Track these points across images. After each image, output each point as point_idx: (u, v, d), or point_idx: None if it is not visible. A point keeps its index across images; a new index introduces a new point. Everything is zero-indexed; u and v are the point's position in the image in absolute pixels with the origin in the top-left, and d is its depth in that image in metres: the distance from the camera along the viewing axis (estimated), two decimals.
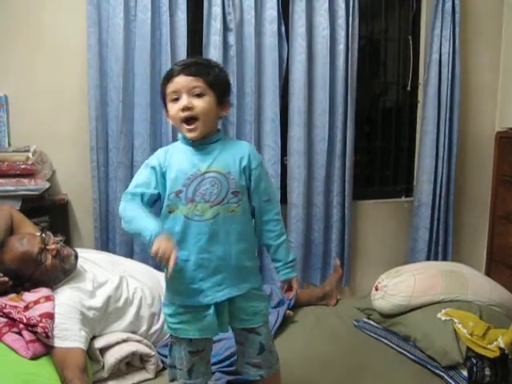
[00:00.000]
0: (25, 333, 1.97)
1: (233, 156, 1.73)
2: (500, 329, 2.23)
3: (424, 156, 3.52)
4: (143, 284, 2.40)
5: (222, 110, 1.76)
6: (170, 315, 1.78)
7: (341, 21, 3.24)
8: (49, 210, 2.81)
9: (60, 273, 2.20)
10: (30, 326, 1.96)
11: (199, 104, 1.66)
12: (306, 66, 3.20)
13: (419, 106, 3.62)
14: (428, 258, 3.53)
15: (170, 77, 1.69)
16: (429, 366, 2.28)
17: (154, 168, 1.70)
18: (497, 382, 2.16)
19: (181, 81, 1.66)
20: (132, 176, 2.97)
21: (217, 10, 3.04)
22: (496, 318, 2.39)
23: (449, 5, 3.37)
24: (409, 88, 3.59)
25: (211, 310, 1.72)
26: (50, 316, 2.01)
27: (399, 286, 2.55)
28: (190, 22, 3.04)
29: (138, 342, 2.23)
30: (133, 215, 1.66)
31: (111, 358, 2.11)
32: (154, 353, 2.23)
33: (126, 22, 2.93)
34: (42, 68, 2.95)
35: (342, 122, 3.32)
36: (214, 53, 3.07)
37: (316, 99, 3.28)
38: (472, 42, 3.56)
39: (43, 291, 2.14)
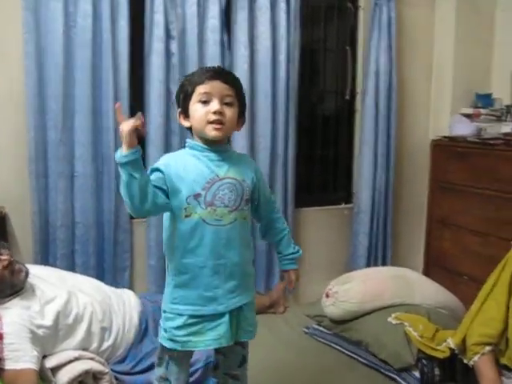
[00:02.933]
0: None
1: (244, 166, 1.77)
2: (448, 330, 2.32)
3: (363, 164, 3.61)
4: (93, 298, 2.33)
5: (237, 126, 1.79)
6: (178, 328, 1.71)
7: (282, 31, 3.28)
8: None
9: (7, 286, 2.11)
10: None
11: (229, 113, 1.68)
12: (248, 76, 3.21)
13: (357, 114, 3.71)
14: (368, 263, 3.62)
15: (203, 78, 1.67)
16: (381, 370, 2.35)
17: (159, 170, 1.65)
18: (446, 381, 2.25)
19: (216, 85, 1.67)
20: (72, 187, 2.97)
21: (159, 17, 3.01)
22: (442, 320, 2.49)
23: (385, 17, 3.49)
24: (347, 97, 3.67)
25: (226, 318, 1.71)
26: (0, 336, 1.91)
27: (350, 292, 2.60)
28: (131, 29, 2.99)
29: (91, 359, 2.16)
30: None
31: (63, 377, 2.03)
32: (107, 370, 2.16)
33: (65, 28, 2.84)
34: None
35: (284, 131, 3.37)
36: (156, 60, 3.04)
37: (258, 108, 3.30)
38: (407, 53, 3.69)
39: None
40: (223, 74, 1.72)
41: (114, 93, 2.97)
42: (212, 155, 1.71)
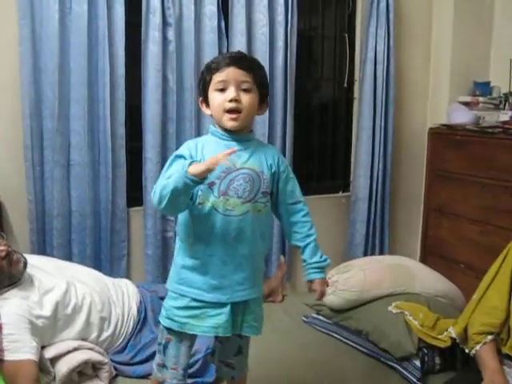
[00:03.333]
0: None
1: (265, 157, 1.73)
2: (448, 319, 2.32)
3: (360, 152, 3.60)
4: (91, 289, 2.31)
5: (260, 110, 1.75)
6: (180, 308, 1.71)
7: (280, 18, 3.25)
8: None
9: (5, 277, 2.08)
10: None
11: (246, 99, 1.65)
12: None
13: (355, 102, 3.69)
14: (365, 251, 3.62)
15: (219, 65, 1.66)
16: (382, 359, 2.34)
17: (183, 157, 1.64)
18: (446, 370, 2.26)
19: (232, 72, 1.64)
20: (69, 176, 2.94)
21: (155, 3, 2.97)
22: (442, 309, 2.49)
23: (383, 4, 3.45)
24: (345, 85, 3.64)
25: (227, 309, 1.69)
26: None
27: (350, 280, 2.59)
28: (128, 16, 2.94)
29: (90, 349, 2.14)
30: (165, 183, 1.56)
31: (63, 367, 2.01)
32: (107, 360, 2.15)
33: (61, 15, 2.79)
34: None
35: (282, 118, 3.34)
36: (152, 48, 3.00)
37: None
38: (405, 40, 3.67)
39: None
40: (239, 60, 1.68)
41: (110, 80, 2.93)
42: (232, 144, 1.68)
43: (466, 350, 2.06)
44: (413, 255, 3.73)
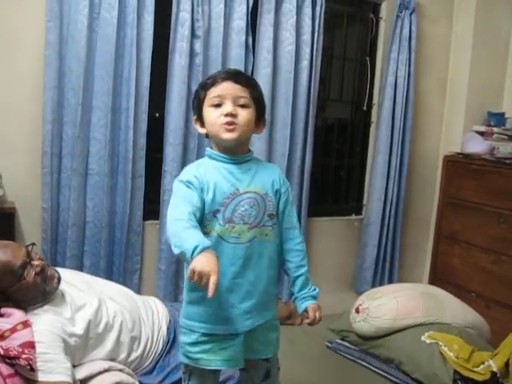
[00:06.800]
0: (1, 366, 1.73)
1: (268, 177, 1.65)
2: (482, 351, 2.28)
3: (375, 175, 3.58)
4: (122, 306, 2.19)
5: (257, 129, 1.68)
6: (191, 344, 1.63)
7: (306, 37, 3.23)
8: None
9: (39, 293, 1.96)
10: (9, 359, 1.73)
11: (243, 114, 1.57)
12: (270, 80, 3.15)
13: (372, 126, 3.68)
14: (375, 275, 3.61)
15: (215, 81, 1.58)
16: None
17: (192, 184, 1.54)
18: None
19: (228, 87, 1.57)
20: (86, 185, 2.84)
21: (185, 15, 2.92)
22: (473, 340, 2.46)
23: (406, 31, 3.47)
24: (365, 108, 3.63)
25: (239, 340, 1.62)
26: (32, 345, 1.77)
27: (382, 308, 2.55)
28: (156, 26, 2.88)
29: (120, 370, 2.04)
30: (175, 241, 1.44)
31: None
32: (136, 382, 2.05)
33: (89, 20, 2.73)
34: None
35: (303, 138, 3.31)
36: (179, 60, 2.95)
37: (278, 114, 3.24)
38: (423, 68, 3.68)
39: (17, 315, 1.89)
40: (236, 75, 1.61)
41: (135, 90, 2.86)
42: (232, 166, 1.61)
43: None
44: (421, 280, 3.73)
